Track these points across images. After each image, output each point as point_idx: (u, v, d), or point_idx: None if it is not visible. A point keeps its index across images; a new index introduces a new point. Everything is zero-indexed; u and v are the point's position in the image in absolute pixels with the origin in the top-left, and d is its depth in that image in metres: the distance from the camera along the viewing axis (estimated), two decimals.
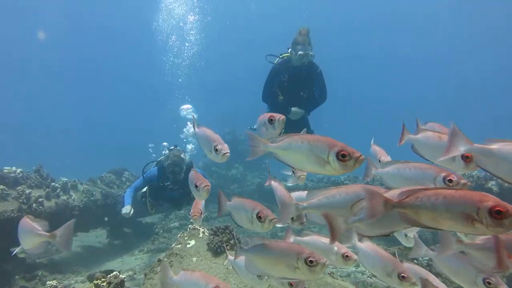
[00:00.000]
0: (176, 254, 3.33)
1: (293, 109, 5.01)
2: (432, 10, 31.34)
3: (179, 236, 3.66)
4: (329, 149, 1.46)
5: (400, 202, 1.26)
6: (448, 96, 36.39)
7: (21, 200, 5.58)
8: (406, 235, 2.11)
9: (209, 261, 3.16)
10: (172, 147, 5.39)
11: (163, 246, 7.26)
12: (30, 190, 5.85)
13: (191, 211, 2.24)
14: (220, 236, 3.36)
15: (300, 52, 4.67)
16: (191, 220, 2.23)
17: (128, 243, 7.71)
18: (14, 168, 6.22)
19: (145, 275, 3.28)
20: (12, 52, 33.44)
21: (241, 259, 1.91)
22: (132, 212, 4.84)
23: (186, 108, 11.52)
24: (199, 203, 2.40)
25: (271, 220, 1.77)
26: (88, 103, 39.34)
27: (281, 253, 1.67)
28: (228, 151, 1.97)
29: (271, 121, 2.05)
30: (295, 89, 4.97)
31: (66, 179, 6.83)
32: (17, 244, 2.01)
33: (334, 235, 1.50)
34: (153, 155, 10.25)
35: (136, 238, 8.01)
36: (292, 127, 5.33)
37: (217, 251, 3.26)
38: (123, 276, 2.07)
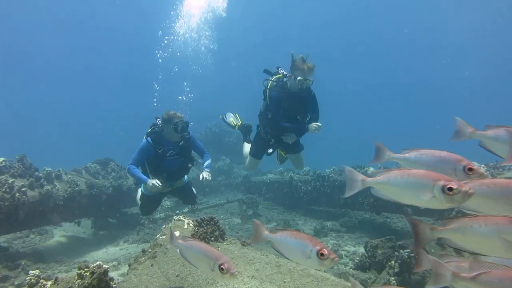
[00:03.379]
0: (161, 245, 3.34)
1: (285, 138, 5.17)
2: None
3: (164, 227, 3.68)
4: None
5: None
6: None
7: (3, 190, 5.51)
8: None
9: None
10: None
11: (148, 237, 7.26)
12: (13, 180, 5.77)
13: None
14: (205, 228, 3.38)
15: (299, 78, 4.64)
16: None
17: (113, 234, 7.69)
18: None
19: (129, 265, 3.29)
20: None
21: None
22: (160, 185, 4.54)
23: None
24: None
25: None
26: (74, 92, 38.84)
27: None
28: (236, 270, 1.88)
29: (470, 170, 1.72)
30: (292, 114, 5.01)
31: (50, 169, 6.74)
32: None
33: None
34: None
35: (121, 229, 7.99)
36: (286, 145, 5.40)
37: None
38: (106, 266, 2.08)
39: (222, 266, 1.85)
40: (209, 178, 4.95)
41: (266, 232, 2.02)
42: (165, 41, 16.42)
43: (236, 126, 6.03)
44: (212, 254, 1.93)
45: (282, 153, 5.72)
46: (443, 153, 1.80)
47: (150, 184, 4.49)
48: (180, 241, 2.20)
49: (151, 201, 5.28)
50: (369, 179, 1.89)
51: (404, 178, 1.73)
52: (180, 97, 14.60)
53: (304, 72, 4.65)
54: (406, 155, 1.96)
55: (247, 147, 5.89)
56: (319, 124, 4.92)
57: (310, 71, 4.68)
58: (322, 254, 1.73)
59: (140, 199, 5.35)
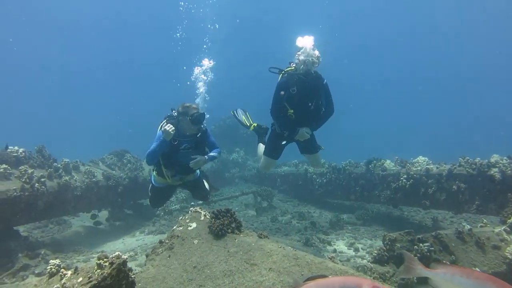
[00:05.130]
0: (178, 236, 3.34)
1: (300, 131, 4.97)
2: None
3: (181, 219, 3.67)
4: None
5: None
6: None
7: (23, 180, 5.60)
8: None
9: (210, 243, 3.18)
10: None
11: (164, 228, 7.33)
12: (32, 170, 5.86)
13: None
14: (222, 220, 3.37)
15: (303, 57, 4.61)
16: None
17: (129, 224, 7.78)
18: (16, 148, 6.23)
19: (147, 256, 3.30)
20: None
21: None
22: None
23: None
24: None
25: None
26: (93, 84, 39.42)
27: None
28: None
29: None
30: (303, 101, 4.88)
31: (68, 160, 6.84)
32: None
33: None
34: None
35: (137, 220, 8.08)
36: (301, 144, 5.31)
37: (218, 234, 3.27)
38: (125, 257, 2.07)
39: None
40: (200, 161, 4.74)
41: (421, 267, 1.78)
42: None
43: (252, 127, 5.90)
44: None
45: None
46: None
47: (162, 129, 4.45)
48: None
49: (161, 193, 5.22)
50: None
51: None
52: (204, 46, 14.90)
53: (307, 53, 4.61)
54: None
55: (262, 148, 5.75)
56: (308, 134, 4.99)
57: (312, 51, 4.64)
58: None
59: (150, 191, 5.26)
